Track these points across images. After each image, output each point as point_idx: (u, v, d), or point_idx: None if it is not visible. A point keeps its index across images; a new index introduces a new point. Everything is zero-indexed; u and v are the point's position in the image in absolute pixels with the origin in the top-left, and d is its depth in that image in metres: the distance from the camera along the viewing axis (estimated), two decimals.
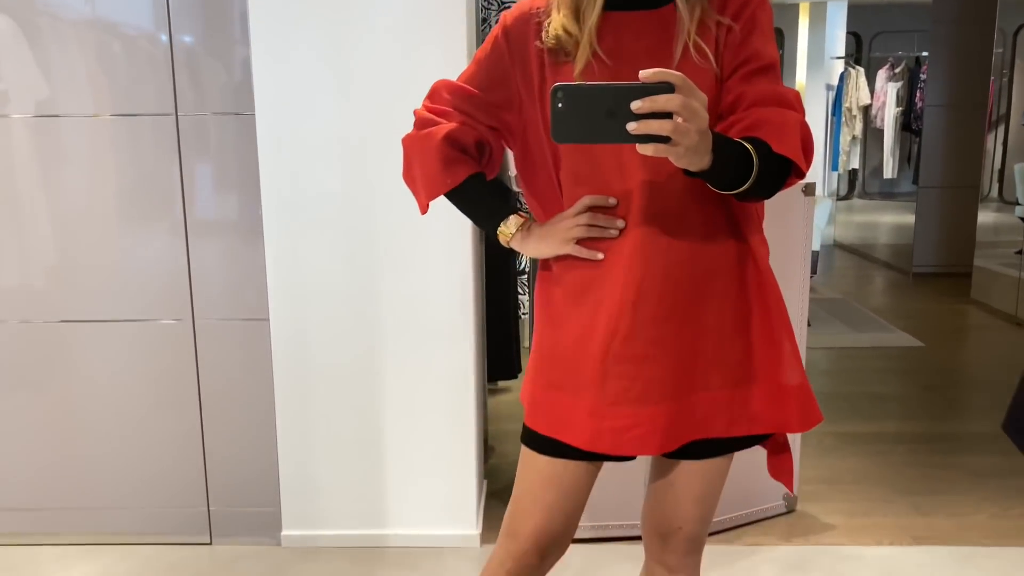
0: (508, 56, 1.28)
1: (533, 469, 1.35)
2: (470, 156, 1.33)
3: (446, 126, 1.30)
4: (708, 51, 1.20)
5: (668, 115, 0.99)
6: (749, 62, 1.20)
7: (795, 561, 2.42)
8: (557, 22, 1.22)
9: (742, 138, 1.13)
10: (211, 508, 2.49)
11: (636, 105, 0.99)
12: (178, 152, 2.32)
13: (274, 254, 2.35)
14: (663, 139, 1.00)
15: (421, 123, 1.34)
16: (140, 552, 2.47)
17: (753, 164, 1.10)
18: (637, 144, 1.01)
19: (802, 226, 2.55)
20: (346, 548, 2.47)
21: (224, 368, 2.43)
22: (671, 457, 1.34)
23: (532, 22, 1.26)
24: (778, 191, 1.19)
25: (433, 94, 1.35)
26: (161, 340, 2.41)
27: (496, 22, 1.32)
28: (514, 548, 1.36)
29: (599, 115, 1.01)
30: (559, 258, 1.30)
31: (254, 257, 2.36)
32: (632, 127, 0.99)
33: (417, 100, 1.39)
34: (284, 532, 2.49)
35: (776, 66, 1.22)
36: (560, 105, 1.02)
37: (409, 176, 1.37)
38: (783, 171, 1.16)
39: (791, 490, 1.41)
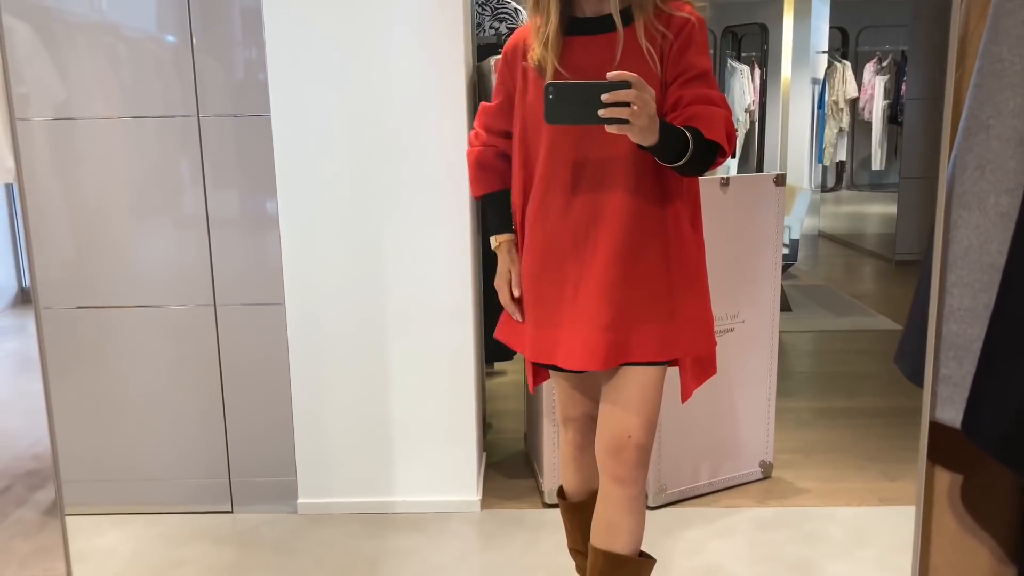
0: (508, 74, 1.76)
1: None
2: (494, 173, 1.82)
3: (474, 150, 1.84)
4: (655, 56, 1.59)
5: (627, 104, 1.39)
6: (686, 72, 1.59)
7: (769, 520, 2.63)
8: (535, 51, 1.66)
9: (682, 127, 1.52)
10: (232, 479, 2.70)
11: (604, 97, 1.39)
12: (200, 151, 2.53)
13: (289, 245, 2.56)
14: (624, 121, 1.40)
15: (470, 141, 1.87)
16: (167, 520, 2.68)
17: (689, 145, 1.50)
18: (605, 125, 1.41)
19: (773, 214, 2.75)
20: (357, 514, 2.68)
21: (244, 350, 2.64)
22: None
23: (519, 51, 1.72)
24: (708, 168, 1.57)
25: (477, 115, 1.86)
26: (186, 324, 2.62)
27: (488, 26, 1.73)
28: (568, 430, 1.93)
29: (579, 104, 1.41)
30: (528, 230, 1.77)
31: (271, 247, 2.57)
32: (602, 113, 1.40)
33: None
34: (300, 500, 2.70)
35: (709, 73, 1.61)
36: (551, 97, 1.43)
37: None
38: (711, 153, 1.55)
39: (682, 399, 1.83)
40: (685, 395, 1.86)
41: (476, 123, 1.85)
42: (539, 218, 1.70)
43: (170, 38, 2.49)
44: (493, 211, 1.83)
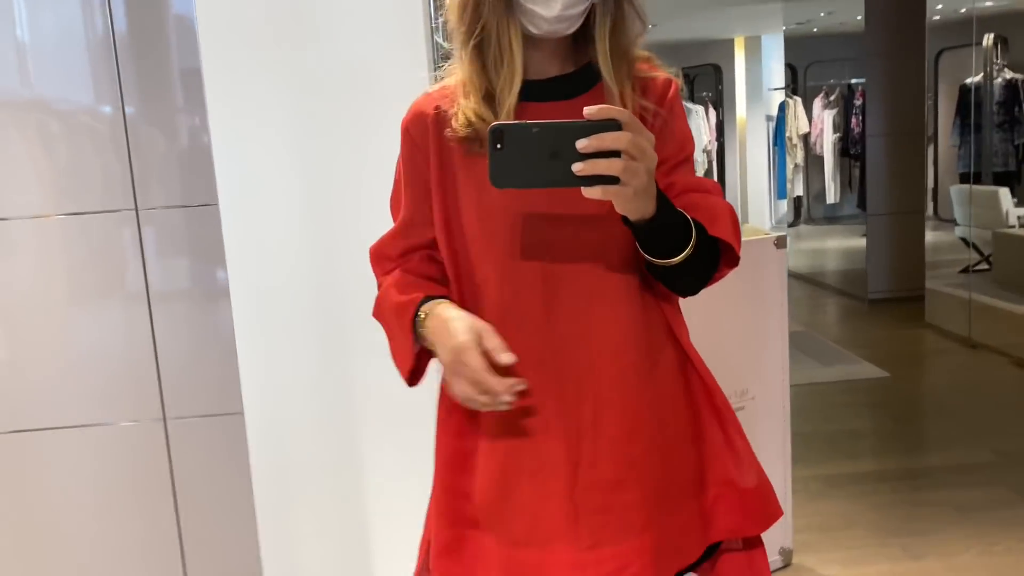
0: (420, 156, 1.17)
1: None
2: (431, 280, 1.22)
3: (390, 279, 1.22)
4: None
5: (616, 154, 0.93)
6: (677, 153, 1.16)
7: None
8: (468, 109, 1.10)
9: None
10: None
11: (582, 144, 0.93)
12: (140, 248, 2.24)
13: (247, 349, 2.27)
14: (612, 180, 0.94)
15: (379, 297, 1.25)
16: None
17: (692, 234, 1.05)
18: (583, 187, 0.95)
19: (776, 278, 2.55)
20: None
21: (199, 465, 2.34)
22: None
23: (428, 119, 1.16)
24: (709, 279, 1.14)
25: (377, 262, 1.27)
26: (130, 441, 2.31)
27: None
28: None
29: (542, 156, 0.94)
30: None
31: (225, 351, 2.28)
32: (578, 167, 0.93)
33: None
34: None
35: (691, 158, 1.19)
36: (499, 146, 0.95)
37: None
38: (714, 258, 1.12)
39: None
40: None
41: (375, 260, 1.26)
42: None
43: (98, 121, 2.21)
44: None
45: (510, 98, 1.09)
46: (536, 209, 1.11)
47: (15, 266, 2.25)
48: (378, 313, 1.25)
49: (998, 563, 2.63)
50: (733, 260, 1.13)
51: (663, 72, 1.17)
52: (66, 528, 2.34)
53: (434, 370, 1.27)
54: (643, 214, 1.00)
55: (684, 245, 1.04)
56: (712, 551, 1.23)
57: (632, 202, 0.97)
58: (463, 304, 1.15)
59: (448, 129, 1.12)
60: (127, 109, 2.19)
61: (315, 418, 2.32)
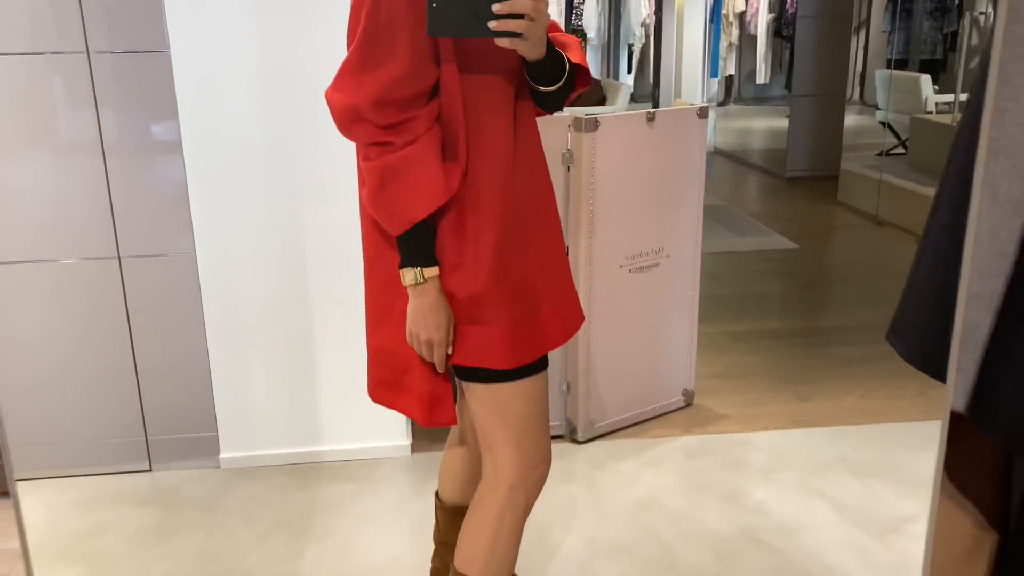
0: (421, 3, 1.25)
1: (535, 396, 1.46)
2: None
3: (417, 147, 1.29)
4: None
5: (521, 16, 1.22)
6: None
7: (695, 448, 2.71)
8: None
9: None
10: (148, 436, 2.58)
11: (497, 7, 1.21)
12: (92, 92, 2.31)
13: (196, 187, 2.39)
14: (516, 34, 1.23)
15: (390, 146, 1.29)
16: (81, 482, 2.54)
17: (566, 66, 1.37)
18: (495, 39, 1.23)
19: (697, 147, 2.75)
20: (284, 466, 2.61)
21: (153, 300, 2.48)
22: None
23: None
24: (568, 97, 1.43)
25: (379, 107, 1.27)
26: (90, 276, 2.44)
27: None
28: (543, 471, 1.51)
29: (467, 14, 1.21)
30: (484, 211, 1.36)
31: (177, 192, 2.40)
32: (493, 25, 1.22)
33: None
34: (223, 455, 2.60)
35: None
36: (434, 5, 1.21)
37: (391, 198, 1.31)
38: (574, 82, 1.42)
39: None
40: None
41: (376, 110, 1.26)
42: (507, 195, 1.36)
43: None
44: (428, 232, 1.34)
45: None
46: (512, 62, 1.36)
47: None
48: (403, 170, 1.29)
49: (875, 406, 2.99)
50: (587, 81, 1.43)
51: None
52: (25, 356, 2.48)
53: None
54: (537, 56, 1.30)
55: (561, 76, 1.37)
56: None
57: (531, 50, 1.28)
58: (477, 126, 1.33)
59: None
60: None
61: (263, 258, 2.48)
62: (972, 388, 0.81)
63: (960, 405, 0.79)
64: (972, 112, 1.00)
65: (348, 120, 1.29)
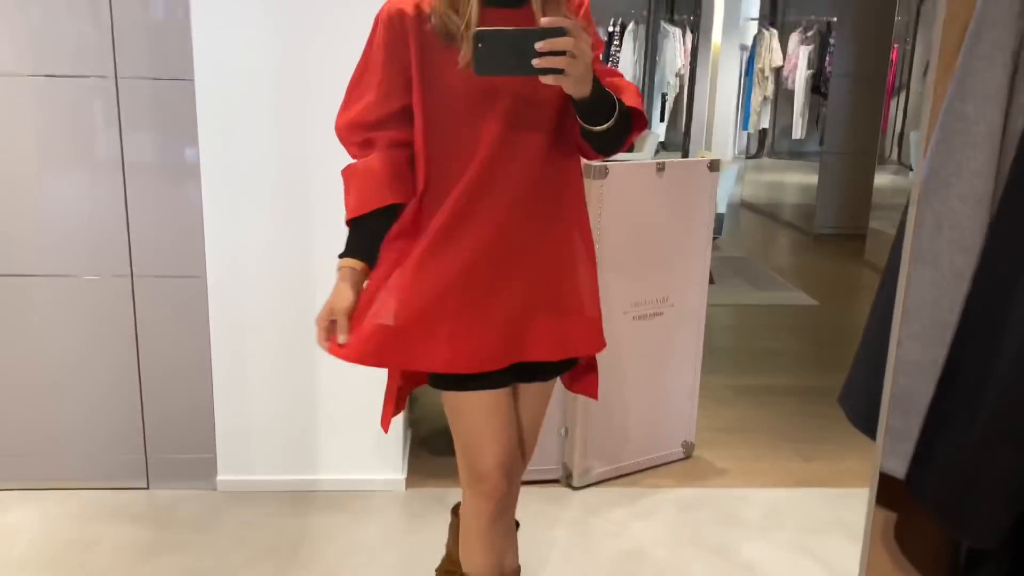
0: (400, 41, 1.46)
1: (472, 413, 1.56)
2: (405, 182, 1.52)
3: (373, 159, 1.51)
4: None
5: (563, 53, 1.28)
6: (594, 48, 1.45)
7: (690, 501, 2.69)
8: (441, 11, 1.44)
9: None
10: (148, 454, 2.62)
11: (540, 45, 1.28)
12: (118, 115, 2.39)
13: (211, 213, 2.46)
14: (559, 71, 1.30)
15: (352, 153, 1.56)
16: (79, 496, 2.58)
17: (616, 107, 1.42)
18: (540, 76, 1.30)
19: (706, 200, 2.77)
20: (279, 492, 2.63)
21: (162, 320, 2.54)
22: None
23: (410, 16, 1.45)
24: (624, 142, 1.48)
25: (352, 128, 1.53)
26: (101, 294, 2.50)
27: None
28: (490, 487, 1.57)
29: (511, 54, 1.29)
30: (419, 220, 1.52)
31: (192, 216, 2.46)
32: (537, 62, 1.29)
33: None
34: (220, 477, 2.63)
35: (599, 49, 1.52)
36: (480, 45, 1.30)
37: (344, 196, 1.55)
38: (629, 125, 1.47)
39: (595, 397, 1.69)
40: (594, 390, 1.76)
41: (349, 131, 1.53)
42: (449, 218, 1.48)
43: None
44: (379, 226, 1.52)
45: (470, 9, 1.41)
46: (491, 84, 1.45)
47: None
48: (349, 176, 1.54)
49: None
50: (643, 124, 1.49)
51: None
52: (34, 366, 2.54)
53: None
54: (583, 94, 1.36)
55: (611, 115, 1.42)
56: (571, 364, 1.65)
57: (575, 86, 1.34)
58: (435, 150, 1.49)
59: (428, 25, 1.44)
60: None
61: (272, 284, 2.53)
62: (911, 455, 0.82)
63: (901, 471, 0.79)
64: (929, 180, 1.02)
65: (340, 139, 1.56)
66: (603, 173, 2.53)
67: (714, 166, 2.76)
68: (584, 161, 1.61)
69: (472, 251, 1.48)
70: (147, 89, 2.38)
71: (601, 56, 1.55)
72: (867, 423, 1.10)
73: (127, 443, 2.60)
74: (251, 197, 2.46)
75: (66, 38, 2.35)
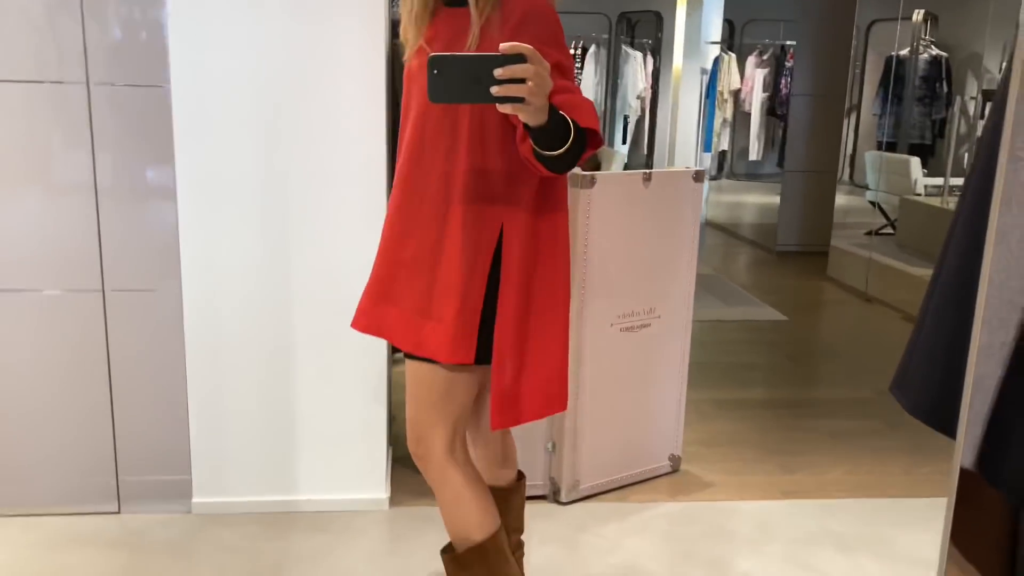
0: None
1: (422, 380, 1.69)
2: None
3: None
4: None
5: (522, 81, 1.21)
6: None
7: (680, 515, 2.65)
8: (402, 25, 1.56)
9: None
10: (119, 477, 2.50)
11: (498, 72, 1.19)
12: (89, 121, 2.30)
13: (187, 226, 2.37)
14: (518, 100, 1.22)
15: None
16: (45, 523, 2.45)
17: (571, 131, 1.35)
18: (497, 104, 1.23)
19: (691, 210, 2.75)
20: (257, 514, 2.53)
21: (135, 337, 2.43)
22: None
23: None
24: (577, 161, 1.43)
25: None
26: (70, 309, 2.39)
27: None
28: (423, 448, 1.70)
29: (467, 80, 1.20)
30: None
31: (166, 228, 2.37)
32: (495, 90, 1.21)
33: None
34: (195, 499, 2.53)
35: (561, 64, 1.44)
36: (435, 71, 1.20)
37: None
38: (583, 145, 1.41)
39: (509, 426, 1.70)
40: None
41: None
42: (392, 212, 1.67)
43: None
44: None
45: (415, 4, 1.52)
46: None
47: None
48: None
49: (861, 480, 2.94)
50: (597, 143, 1.44)
51: None
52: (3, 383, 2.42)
53: None
54: (539, 122, 1.29)
55: (566, 140, 1.35)
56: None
57: (532, 115, 1.27)
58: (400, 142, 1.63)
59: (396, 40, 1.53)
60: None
61: (249, 302, 2.44)
62: (980, 442, 0.79)
63: (968, 461, 0.76)
64: (984, 160, 0.99)
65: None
66: (590, 183, 2.50)
67: (699, 177, 2.75)
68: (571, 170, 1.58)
69: (387, 227, 1.65)
70: (120, 96, 2.29)
71: (554, 63, 1.43)
72: (929, 411, 1.06)
73: (97, 465, 2.48)
74: (228, 214, 2.38)
75: (37, 43, 2.25)
